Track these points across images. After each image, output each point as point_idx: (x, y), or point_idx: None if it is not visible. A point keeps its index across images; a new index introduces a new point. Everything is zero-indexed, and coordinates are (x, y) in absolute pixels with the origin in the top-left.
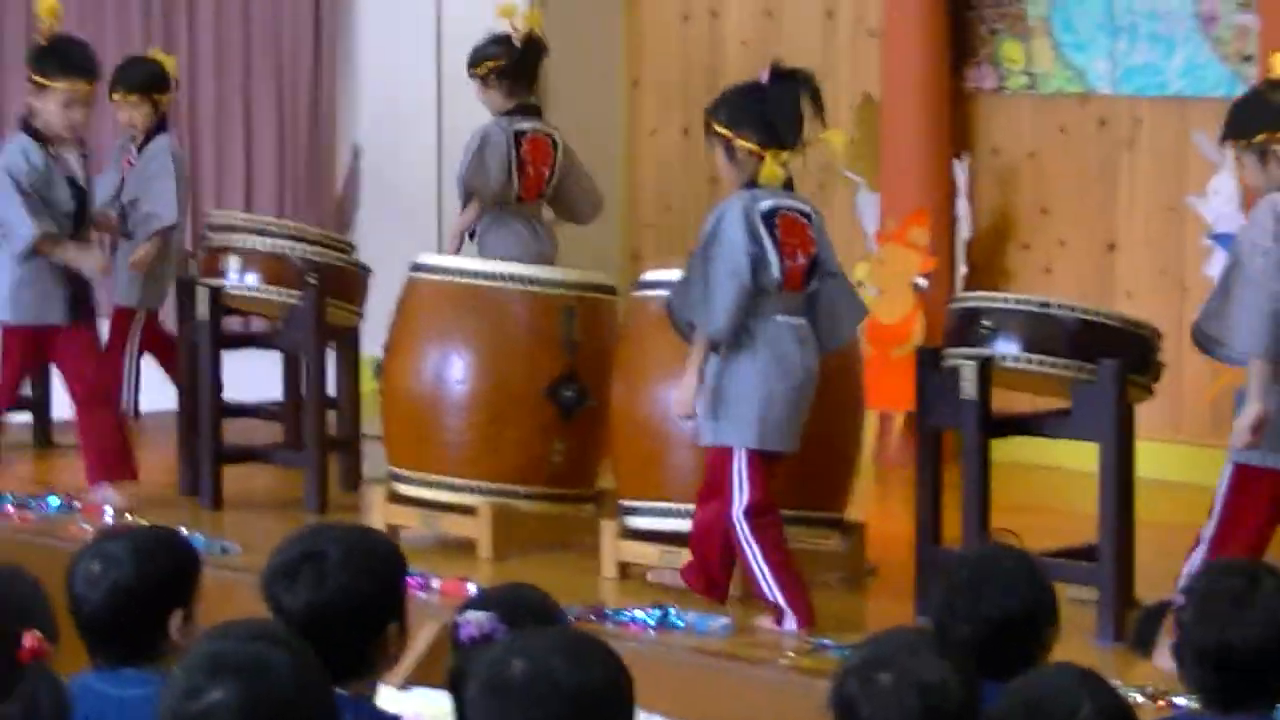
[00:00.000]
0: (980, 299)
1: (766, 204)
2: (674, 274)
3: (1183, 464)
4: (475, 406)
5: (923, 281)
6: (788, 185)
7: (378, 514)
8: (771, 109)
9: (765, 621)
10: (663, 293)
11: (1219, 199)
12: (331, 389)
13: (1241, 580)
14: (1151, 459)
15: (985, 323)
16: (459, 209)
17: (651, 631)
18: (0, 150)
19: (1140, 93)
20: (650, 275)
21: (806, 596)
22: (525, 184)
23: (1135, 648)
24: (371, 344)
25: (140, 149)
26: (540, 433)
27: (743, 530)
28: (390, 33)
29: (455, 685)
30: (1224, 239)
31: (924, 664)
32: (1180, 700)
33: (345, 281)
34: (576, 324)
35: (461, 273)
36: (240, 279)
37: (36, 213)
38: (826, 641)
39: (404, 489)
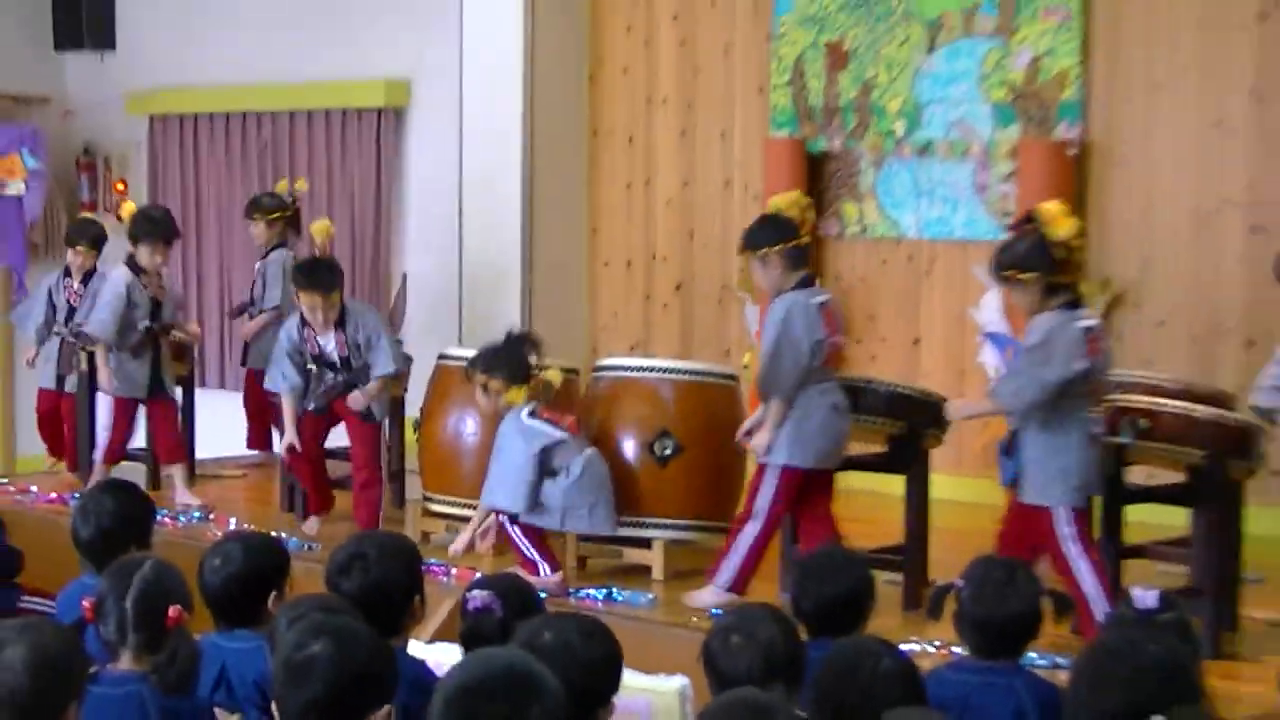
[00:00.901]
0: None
1: (525, 410)
2: (621, 361)
3: (962, 490)
4: (482, 452)
5: None
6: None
7: (415, 524)
8: (508, 357)
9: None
10: (609, 375)
11: (988, 310)
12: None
13: (1005, 571)
14: (941, 486)
15: None
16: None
17: (600, 604)
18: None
19: (936, 237)
20: (602, 362)
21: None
22: None
23: (928, 615)
24: (411, 408)
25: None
26: None
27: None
28: (426, 194)
29: (465, 641)
30: (991, 336)
31: (763, 630)
32: (957, 649)
33: None
34: (552, 393)
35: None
36: None
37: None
38: (718, 611)
39: (434, 507)
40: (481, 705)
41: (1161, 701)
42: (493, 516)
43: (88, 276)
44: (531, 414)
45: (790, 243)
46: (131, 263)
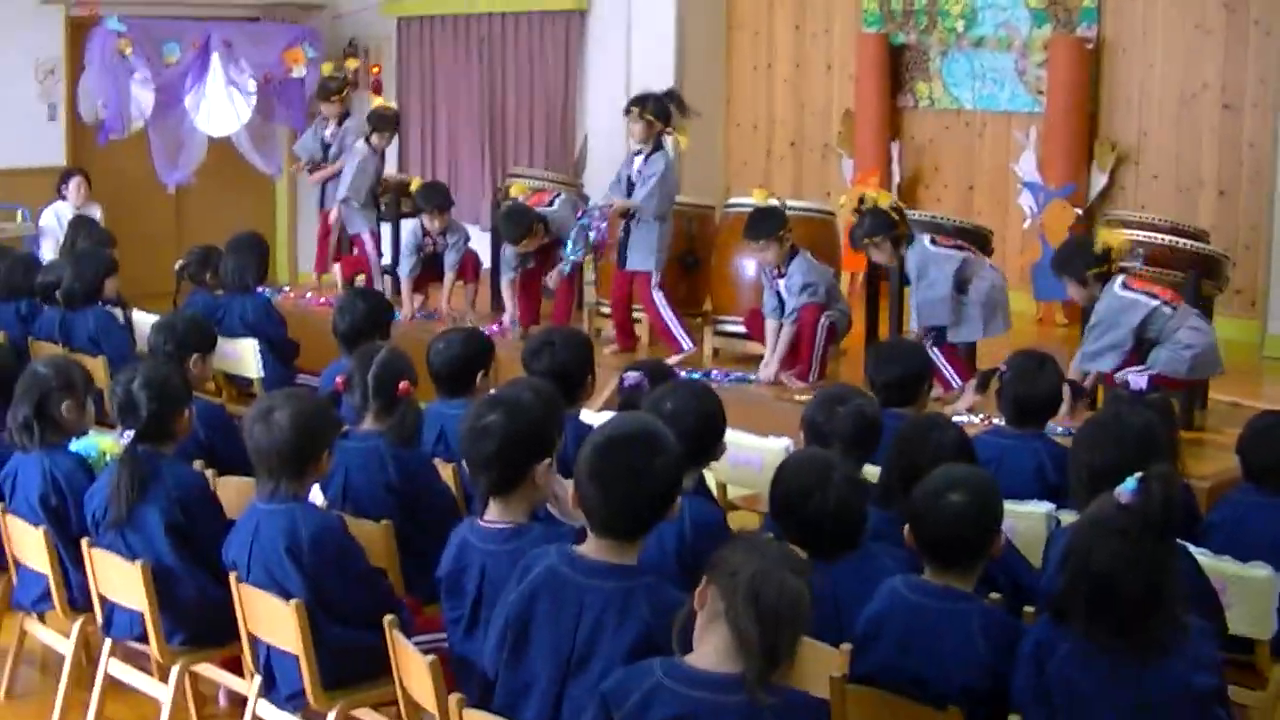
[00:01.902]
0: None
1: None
2: (747, 200)
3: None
4: None
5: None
6: None
7: (590, 322)
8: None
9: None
10: (737, 209)
11: (1024, 165)
12: None
13: (1035, 360)
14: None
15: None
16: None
17: (726, 383)
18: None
19: (987, 108)
20: (732, 200)
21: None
22: None
23: (977, 390)
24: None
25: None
26: (674, 280)
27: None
28: (602, 76)
29: (622, 410)
30: (1027, 185)
31: (855, 402)
32: (997, 421)
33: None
34: (695, 225)
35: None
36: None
37: None
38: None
39: (603, 309)
40: (617, 454)
41: (1140, 461)
42: None
43: (342, 119)
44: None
45: None
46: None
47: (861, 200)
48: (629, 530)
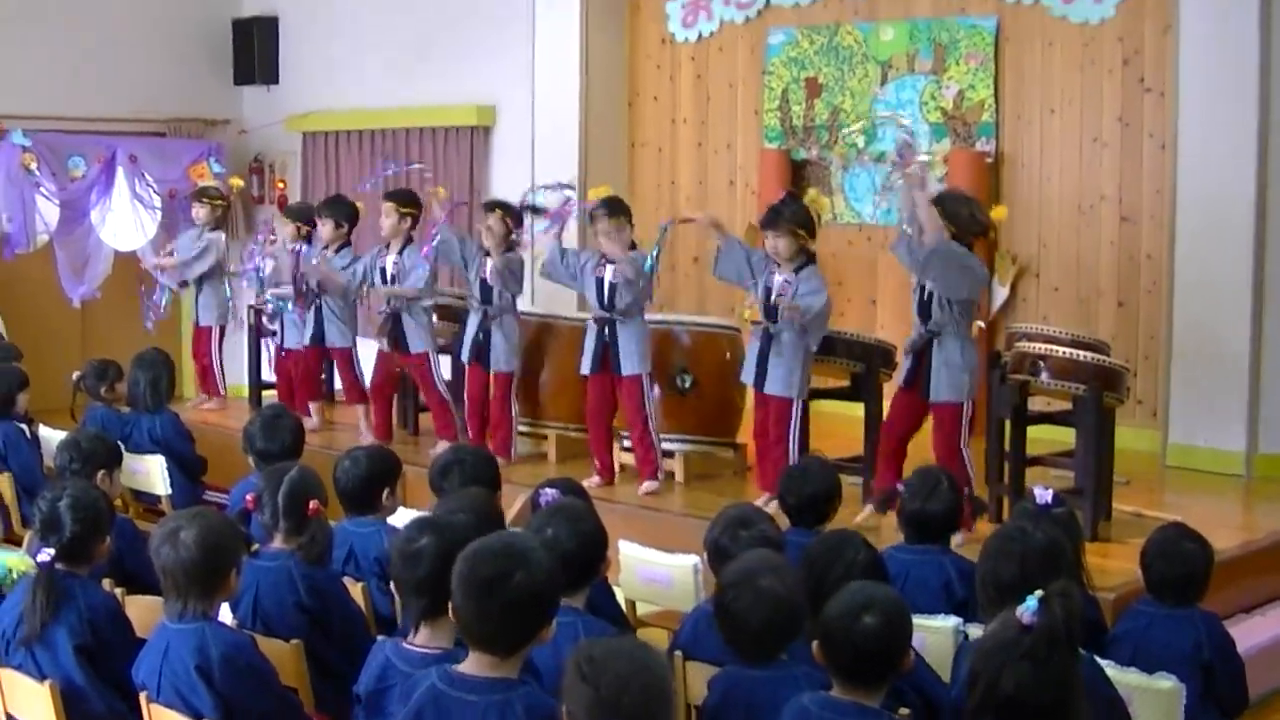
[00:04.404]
0: None
1: None
2: (653, 316)
3: None
4: (553, 382)
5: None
6: None
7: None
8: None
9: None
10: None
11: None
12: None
13: (932, 478)
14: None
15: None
16: None
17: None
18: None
19: (889, 224)
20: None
21: None
22: None
23: (878, 510)
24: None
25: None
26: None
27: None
28: (507, 192)
29: (535, 529)
30: None
31: (762, 524)
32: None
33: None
34: None
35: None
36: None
37: None
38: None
39: (521, 427)
40: (480, 567)
41: (1044, 577)
42: None
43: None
44: None
45: None
46: None
47: (804, 194)
48: (499, 644)
